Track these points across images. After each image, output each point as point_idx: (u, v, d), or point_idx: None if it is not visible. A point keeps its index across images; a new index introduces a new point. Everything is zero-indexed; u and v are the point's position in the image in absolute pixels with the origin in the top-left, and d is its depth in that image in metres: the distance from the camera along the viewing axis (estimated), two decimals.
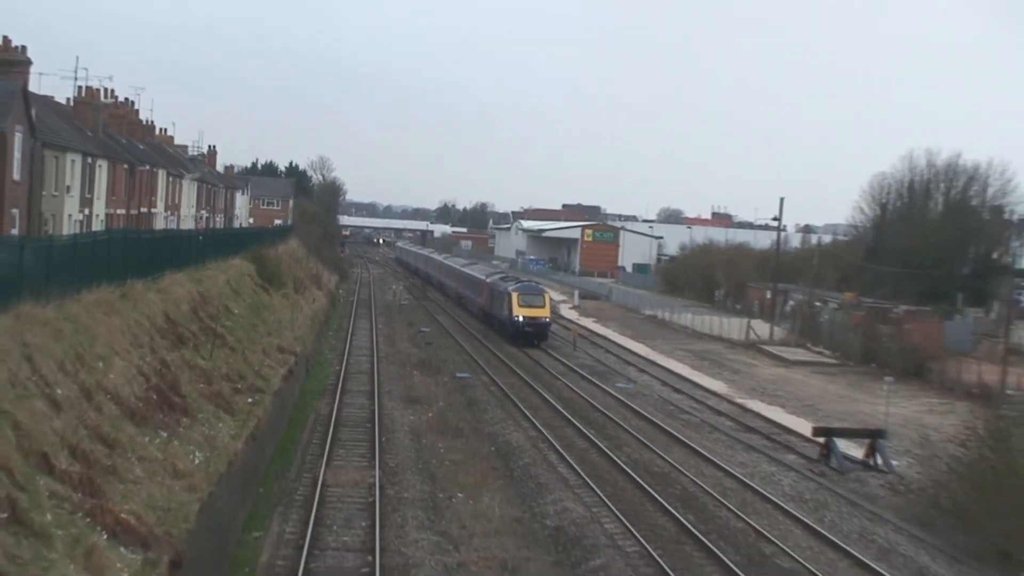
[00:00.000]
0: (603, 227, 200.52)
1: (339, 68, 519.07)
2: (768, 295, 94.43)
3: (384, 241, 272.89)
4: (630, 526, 30.76)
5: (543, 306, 76.40)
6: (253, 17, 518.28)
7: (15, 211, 46.87)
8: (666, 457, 40.41)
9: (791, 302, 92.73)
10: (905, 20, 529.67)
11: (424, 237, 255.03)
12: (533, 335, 74.75)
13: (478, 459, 38.92)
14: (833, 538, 30.88)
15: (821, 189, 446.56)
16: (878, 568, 28.31)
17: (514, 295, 75.55)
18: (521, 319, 74.34)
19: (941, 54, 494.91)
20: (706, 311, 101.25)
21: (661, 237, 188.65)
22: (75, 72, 70.83)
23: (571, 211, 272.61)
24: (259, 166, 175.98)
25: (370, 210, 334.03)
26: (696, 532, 30.59)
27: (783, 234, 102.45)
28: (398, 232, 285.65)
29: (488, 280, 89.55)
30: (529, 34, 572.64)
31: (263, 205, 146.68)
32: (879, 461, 40.45)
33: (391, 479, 35.06)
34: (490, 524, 30.74)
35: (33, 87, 54.45)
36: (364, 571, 26.05)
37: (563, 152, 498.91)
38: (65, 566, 16.36)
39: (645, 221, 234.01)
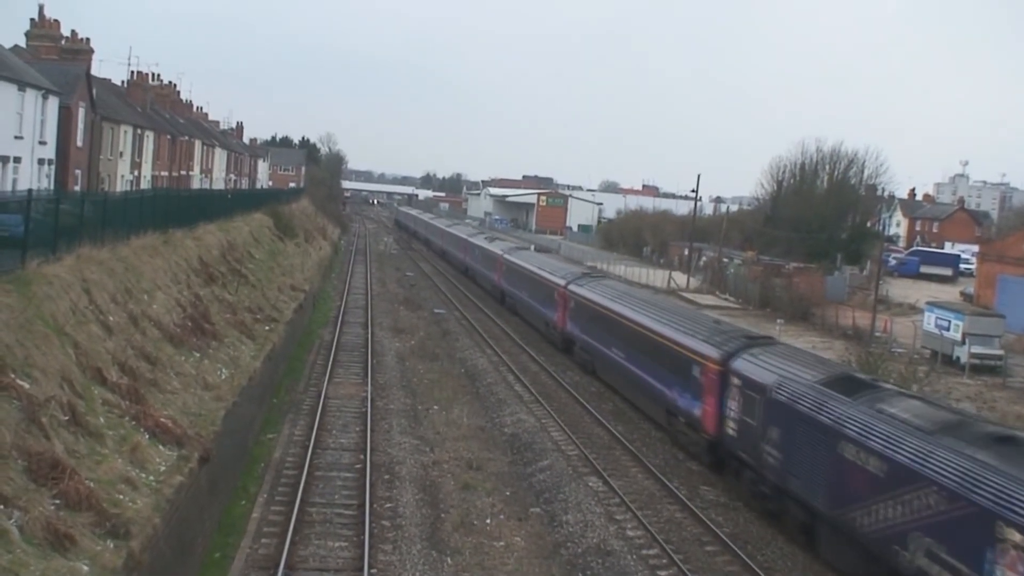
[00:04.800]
0: (555, 194, 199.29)
1: (347, 57, 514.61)
2: (686, 252, 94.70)
3: (378, 202, 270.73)
4: (571, 435, 30.96)
5: None
6: (278, 13, 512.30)
7: (78, 172, 46.64)
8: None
9: (704, 258, 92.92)
10: (799, 34, 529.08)
11: (411, 200, 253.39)
12: None
13: (450, 378, 38.94)
14: None
15: (731, 167, 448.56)
16: None
17: None
18: None
19: (828, 61, 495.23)
20: (636, 264, 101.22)
21: (601, 204, 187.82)
22: (128, 59, 70.93)
23: (529, 181, 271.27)
24: (277, 139, 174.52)
25: (367, 176, 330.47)
26: (623, 440, 30.80)
27: (699, 203, 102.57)
28: (389, 195, 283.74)
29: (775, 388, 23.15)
30: (500, 34, 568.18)
31: (280, 170, 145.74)
32: None
33: (380, 393, 35.05)
34: (459, 431, 30.87)
35: (94, 71, 53.82)
36: (357, 467, 26.09)
37: (524, 132, 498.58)
38: (115, 459, 16.36)
39: (589, 190, 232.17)
